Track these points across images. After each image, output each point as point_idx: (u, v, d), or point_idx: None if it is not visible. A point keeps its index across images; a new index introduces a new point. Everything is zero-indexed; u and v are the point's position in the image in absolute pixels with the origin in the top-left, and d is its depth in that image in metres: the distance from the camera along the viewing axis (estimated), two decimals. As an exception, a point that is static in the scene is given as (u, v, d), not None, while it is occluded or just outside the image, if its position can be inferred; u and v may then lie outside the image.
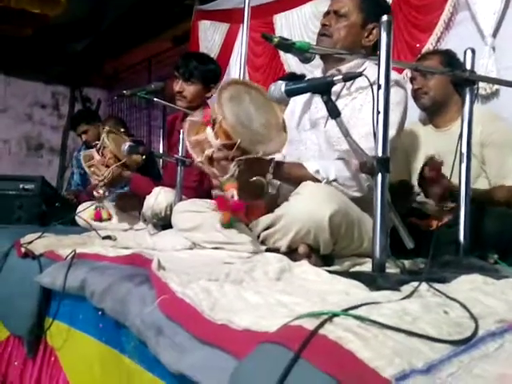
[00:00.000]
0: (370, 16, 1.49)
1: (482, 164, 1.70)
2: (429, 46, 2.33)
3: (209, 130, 1.23)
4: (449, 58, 1.82)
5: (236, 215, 1.24)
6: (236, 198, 1.19)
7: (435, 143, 1.81)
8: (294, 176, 1.32)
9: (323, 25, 1.51)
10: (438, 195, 1.50)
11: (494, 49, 2.09)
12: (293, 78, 2.08)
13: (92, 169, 2.14)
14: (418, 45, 2.36)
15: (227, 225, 1.29)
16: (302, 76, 1.84)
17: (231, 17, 3.48)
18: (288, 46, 1.32)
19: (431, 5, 2.34)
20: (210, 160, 1.25)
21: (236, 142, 1.18)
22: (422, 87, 1.83)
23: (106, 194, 2.17)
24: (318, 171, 1.31)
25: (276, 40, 1.30)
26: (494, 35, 2.09)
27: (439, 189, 1.48)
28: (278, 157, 1.38)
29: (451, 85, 1.80)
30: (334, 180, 1.31)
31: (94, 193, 2.15)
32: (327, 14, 1.54)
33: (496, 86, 2.06)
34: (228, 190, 1.20)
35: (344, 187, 1.32)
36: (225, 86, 1.27)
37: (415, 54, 2.33)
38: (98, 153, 2.13)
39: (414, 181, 1.69)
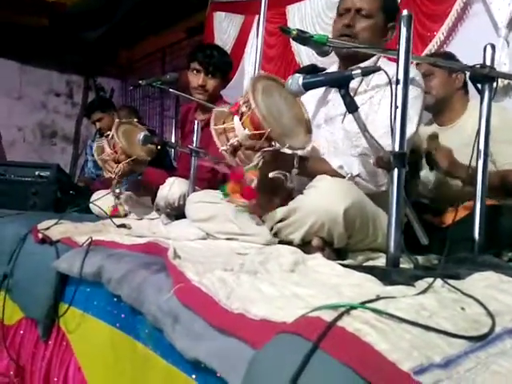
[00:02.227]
0: (389, 16, 1.49)
1: (490, 156, 1.69)
2: (439, 35, 2.29)
3: (236, 118, 1.24)
4: (448, 59, 1.84)
5: (244, 199, 1.25)
6: (253, 185, 1.20)
7: (442, 140, 1.80)
8: (317, 171, 1.31)
9: (347, 25, 1.45)
10: (445, 163, 1.49)
11: (507, 41, 2.06)
12: (313, 70, 2.07)
13: (106, 164, 2.15)
14: (428, 34, 2.33)
15: (226, 194, 1.31)
16: (323, 69, 1.83)
17: (246, 8, 3.47)
18: (306, 38, 1.32)
19: None
20: (234, 150, 1.25)
21: (265, 132, 1.19)
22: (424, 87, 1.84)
23: (122, 190, 2.19)
24: (341, 167, 1.31)
25: (294, 33, 1.29)
26: (509, 27, 2.06)
27: (445, 157, 1.48)
28: (301, 152, 1.38)
29: (453, 82, 1.85)
30: (357, 175, 1.31)
31: (111, 192, 2.17)
32: (346, 11, 1.48)
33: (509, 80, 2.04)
34: (249, 177, 1.21)
35: (366, 183, 1.32)
36: (258, 79, 1.28)
37: (426, 44, 2.30)
38: (109, 145, 2.14)
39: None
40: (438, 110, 1.90)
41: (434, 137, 1.48)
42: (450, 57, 1.88)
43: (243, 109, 1.23)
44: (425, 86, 1.82)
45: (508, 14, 2.04)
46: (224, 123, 1.29)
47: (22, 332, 1.55)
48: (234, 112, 1.25)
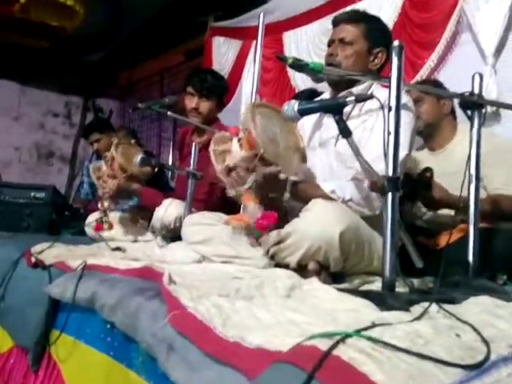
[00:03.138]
0: (375, 42, 1.54)
1: (481, 180, 1.71)
2: (430, 63, 2.35)
3: (235, 140, 1.26)
4: (437, 86, 1.90)
5: (265, 224, 1.25)
6: (259, 209, 1.20)
7: (432, 166, 1.82)
8: (310, 196, 1.32)
9: (330, 54, 1.53)
10: (433, 199, 1.51)
11: (495, 69, 2.11)
12: (312, 94, 2.11)
13: (100, 181, 2.16)
14: (419, 61, 2.39)
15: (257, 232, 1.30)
16: (322, 93, 1.87)
17: (244, 34, 3.54)
18: (301, 66, 1.35)
19: (434, 23, 2.38)
20: (229, 170, 1.27)
21: (258, 153, 1.20)
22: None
23: (112, 206, 2.17)
24: (333, 191, 1.33)
25: (290, 61, 1.33)
26: (495, 55, 2.11)
27: (434, 192, 1.49)
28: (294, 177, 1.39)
29: (442, 108, 1.90)
30: (350, 200, 1.32)
31: (99, 205, 2.16)
32: (332, 42, 1.57)
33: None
34: (246, 201, 1.21)
35: (359, 206, 1.33)
36: (257, 105, 1.31)
37: (417, 70, 2.35)
38: (106, 164, 2.15)
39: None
40: (428, 135, 1.95)
41: (427, 176, 1.50)
42: (438, 84, 1.94)
43: (241, 134, 1.26)
44: (416, 110, 1.87)
45: (495, 42, 2.10)
46: (223, 144, 1.32)
47: (12, 361, 1.51)
48: (234, 135, 1.28)
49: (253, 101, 1.86)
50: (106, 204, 2.12)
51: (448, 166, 1.71)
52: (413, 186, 1.46)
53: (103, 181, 2.13)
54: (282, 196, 1.32)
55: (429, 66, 2.33)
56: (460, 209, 1.36)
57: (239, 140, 1.26)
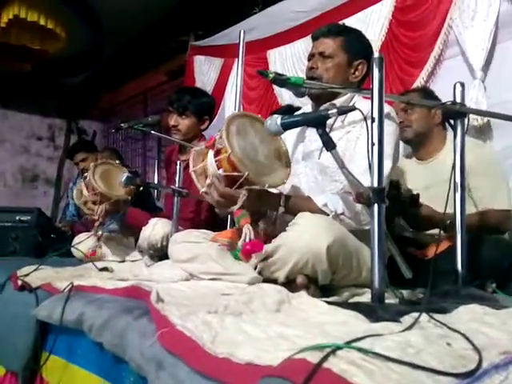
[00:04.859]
0: (355, 54, 1.55)
1: (468, 191, 1.73)
2: (420, 80, 2.39)
3: (211, 153, 1.24)
4: (427, 94, 1.92)
5: (253, 250, 1.23)
6: (252, 235, 1.19)
7: (421, 175, 1.85)
8: (302, 210, 1.31)
9: (310, 68, 1.55)
10: (422, 222, 1.52)
11: (483, 82, 2.16)
12: (289, 110, 2.13)
13: (86, 207, 2.14)
14: (410, 79, 2.43)
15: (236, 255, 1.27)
16: (298, 108, 1.89)
17: (225, 52, 3.56)
18: (283, 81, 1.37)
19: (422, 43, 2.42)
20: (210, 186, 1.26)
21: (242, 175, 1.19)
22: (404, 121, 1.89)
23: (105, 232, 2.17)
24: (325, 205, 1.33)
25: (271, 75, 1.34)
26: (484, 70, 2.16)
27: (422, 215, 1.51)
28: (283, 189, 1.39)
29: (432, 118, 1.91)
30: (342, 213, 1.33)
31: (93, 233, 2.14)
32: (312, 56, 1.59)
33: (487, 118, 2.11)
34: (243, 225, 1.20)
35: (351, 220, 1.34)
36: (231, 120, 1.29)
37: (407, 87, 2.40)
38: (87, 188, 2.14)
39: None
40: (418, 144, 1.94)
41: (413, 199, 1.51)
42: (428, 93, 1.94)
43: (219, 145, 1.24)
44: (405, 119, 1.89)
45: (482, 57, 2.15)
46: (203, 161, 1.30)
47: (5, 387, 1.47)
48: (210, 146, 1.26)
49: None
50: (99, 233, 2.09)
51: (438, 176, 1.73)
52: (401, 208, 1.47)
53: (89, 208, 2.12)
54: (276, 211, 1.32)
55: (419, 83, 2.35)
56: (448, 228, 1.36)
57: (216, 154, 1.24)
